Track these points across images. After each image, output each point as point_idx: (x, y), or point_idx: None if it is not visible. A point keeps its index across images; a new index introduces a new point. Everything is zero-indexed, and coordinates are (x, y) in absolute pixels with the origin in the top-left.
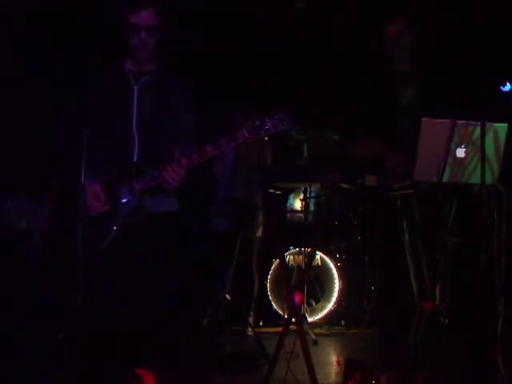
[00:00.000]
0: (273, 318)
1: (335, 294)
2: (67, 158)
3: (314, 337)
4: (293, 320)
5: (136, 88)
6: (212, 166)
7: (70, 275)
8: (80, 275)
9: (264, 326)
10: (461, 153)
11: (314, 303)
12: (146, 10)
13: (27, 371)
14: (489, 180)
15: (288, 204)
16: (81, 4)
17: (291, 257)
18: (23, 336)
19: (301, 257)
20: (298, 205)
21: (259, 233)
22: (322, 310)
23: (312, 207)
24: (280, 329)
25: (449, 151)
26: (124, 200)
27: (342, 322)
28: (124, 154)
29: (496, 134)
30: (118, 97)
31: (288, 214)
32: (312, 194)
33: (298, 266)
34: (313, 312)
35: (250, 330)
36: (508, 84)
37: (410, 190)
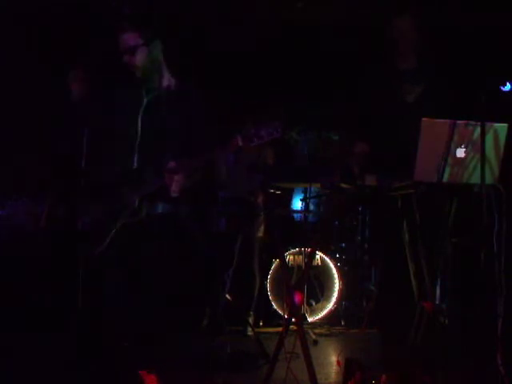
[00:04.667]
0: (273, 318)
1: (335, 294)
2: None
3: (313, 337)
4: (293, 320)
5: (145, 101)
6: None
7: (70, 275)
8: (80, 275)
9: (264, 325)
10: (461, 153)
11: (314, 303)
12: (123, 35)
13: (27, 371)
14: (489, 180)
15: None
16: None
17: (291, 257)
18: (24, 335)
19: (301, 257)
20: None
21: (260, 233)
22: (322, 309)
23: (312, 207)
24: (280, 329)
25: (449, 151)
26: (126, 203)
27: (342, 322)
28: (125, 161)
29: (496, 134)
30: (129, 107)
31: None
32: (312, 194)
33: (298, 266)
34: (313, 312)
35: (250, 330)
36: (508, 84)
37: (410, 190)
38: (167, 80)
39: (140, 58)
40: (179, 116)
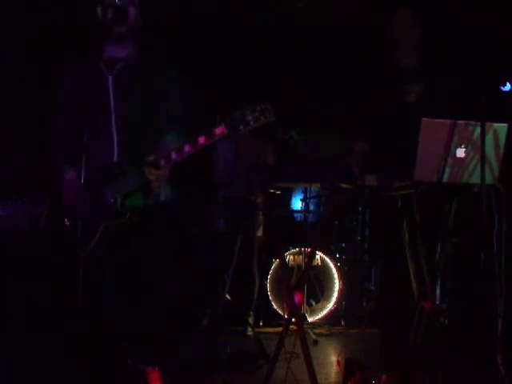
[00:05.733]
0: (273, 318)
1: (335, 294)
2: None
3: (313, 337)
4: (293, 320)
5: (110, 77)
6: (212, 171)
7: (69, 275)
8: (80, 275)
9: (264, 325)
10: (461, 153)
11: (314, 303)
12: None
13: (27, 371)
14: (489, 180)
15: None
16: None
17: (291, 257)
18: (25, 335)
19: (301, 257)
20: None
21: (259, 233)
22: (322, 309)
23: (312, 207)
24: (280, 329)
25: (449, 151)
26: (107, 202)
27: (342, 322)
28: (104, 151)
29: (496, 133)
30: (93, 89)
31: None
32: (312, 194)
33: (298, 266)
34: (313, 312)
35: (249, 330)
36: (508, 84)
37: (410, 190)
38: (131, 49)
39: (133, 12)
40: (148, 91)
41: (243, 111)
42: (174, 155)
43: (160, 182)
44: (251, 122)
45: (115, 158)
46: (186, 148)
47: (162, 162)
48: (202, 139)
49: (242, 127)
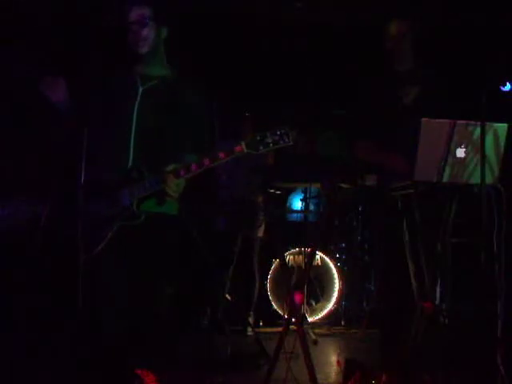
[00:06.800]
0: (273, 318)
1: (335, 294)
2: (67, 157)
3: (313, 337)
4: (293, 320)
5: (141, 90)
6: (216, 173)
7: (69, 275)
8: (81, 275)
9: (264, 325)
10: (461, 153)
11: (314, 303)
12: (137, 7)
13: (27, 371)
14: (489, 180)
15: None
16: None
17: (291, 257)
18: (23, 336)
19: (301, 257)
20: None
21: (260, 233)
22: (322, 309)
23: (312, 207)
24: (280, 329)
25: (449, 151)
26: (124, 204)
27: (342, 322)
28: (118, 157)
29: (496, 134)
30: (121, 97)
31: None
32: (312, 194)
33: (298, 266)
34: (313, 312)
35: (249, 329)
36: (508, 84)
37: (410, 190)
38: (164, 69)
39: (149, 32)
40: (176, 110)
41: (264, 133)
42: (193, 167)
43: (176, 192)
44: (270, 145)
45: (129, 163)
46: (206, 162)
47: (182, 172)
48: (221, 154)
49: (261, 148)
